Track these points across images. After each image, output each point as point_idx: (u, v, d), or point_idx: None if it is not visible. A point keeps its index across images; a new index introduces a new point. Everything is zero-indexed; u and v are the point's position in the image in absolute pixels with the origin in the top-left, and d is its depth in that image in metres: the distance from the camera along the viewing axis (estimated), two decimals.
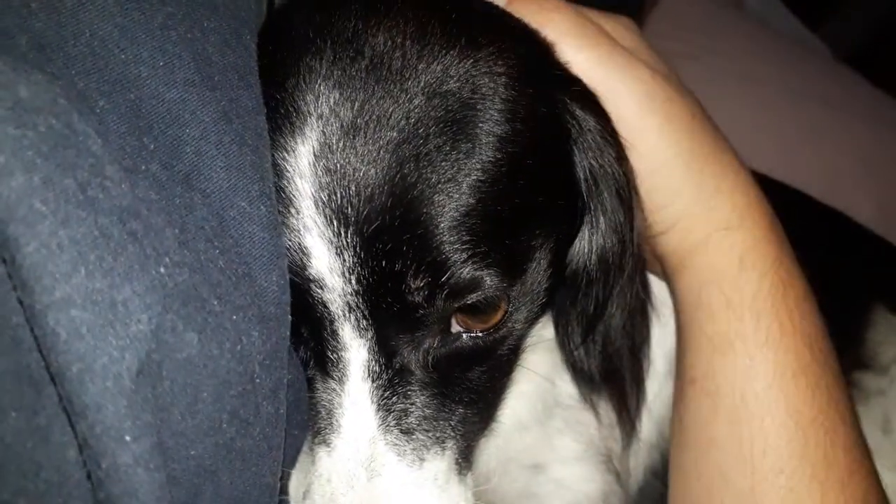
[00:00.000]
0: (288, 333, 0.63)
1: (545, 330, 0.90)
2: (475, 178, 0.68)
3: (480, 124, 0.69)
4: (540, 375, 0.95)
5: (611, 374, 0.90)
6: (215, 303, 0.53)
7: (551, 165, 0.77)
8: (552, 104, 0.76)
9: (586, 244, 0.81)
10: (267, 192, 0.63)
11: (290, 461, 0.75)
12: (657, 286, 0.99)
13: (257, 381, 0.57)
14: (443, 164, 0.67)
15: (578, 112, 0.77)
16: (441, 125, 0.67)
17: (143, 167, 0.56)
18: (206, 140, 0.60)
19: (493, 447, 0.93)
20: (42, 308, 0.44)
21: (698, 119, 0.88)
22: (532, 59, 0.76)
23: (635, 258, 0.85)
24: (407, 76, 0.68)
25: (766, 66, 1.85)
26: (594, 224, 0.81)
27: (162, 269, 0.49)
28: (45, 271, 0.44)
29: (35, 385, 0.48)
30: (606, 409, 0.98)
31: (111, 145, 0.54)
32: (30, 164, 0.44)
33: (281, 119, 0.67)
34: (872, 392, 1.27)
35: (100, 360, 0.44)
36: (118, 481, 0.45)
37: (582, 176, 0.78)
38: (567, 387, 0.97)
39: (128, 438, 0.45)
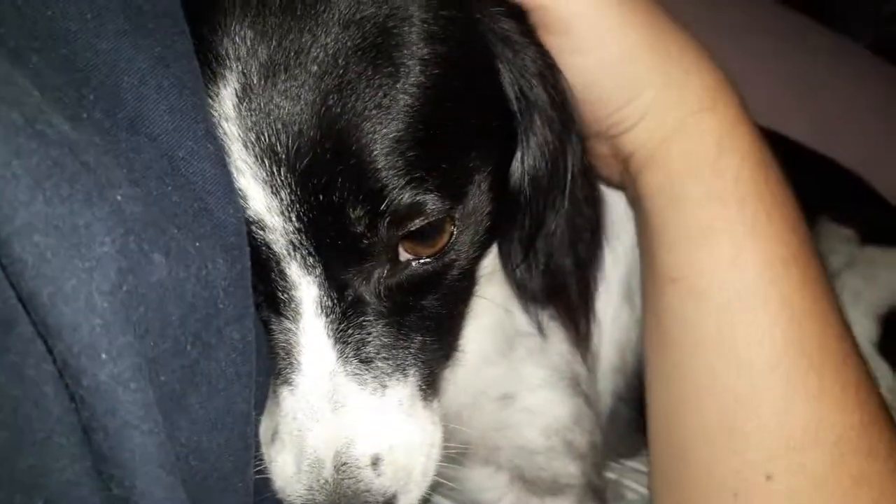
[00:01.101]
0: (249, 264, 0.64)
1: (499, 256, 0.92)
2: (402, 102, 0.68)
3: (400, 48, 0.69)
4: (498, 307, 0.97)
5: (555, 291, 0.92)
6: (175, 231, 0.54)
7: (480, 86, 0.78)
8: (473, 23, 0.77)
9: (519, 164, 0.82)
10: (212, 131, 0.64)
11: (261, 409, 0.76)
12: (612, 206, 1.00)
13: (220, 306, 0.57)
14: (366, 90, 0.67)
15: (500, 30, 0.78)
16: (360, 53, 0.67)
17: (85, 115, 0.56)
18: (145, 86, 0.61)
19: (462, 383, 0.95)
20: (6, 237, 0.44)
21: (652, 4, 0.84)
22: None
23: (575, 175, 0.86)
24: (321, 8, 0.68)
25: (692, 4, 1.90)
26: (525, 144, 0.82)
27: (119, 197, 0.50)
28: (4, 200, 0.44)
29: (3, 324, 0.48)
30: (564, 333, 1.01)
31: (48, 97, 0.54)
32: None
33: (202, 65, 0.67)
34: None
35: (69, 282, 0.45)
36: (100, 399, 0.46)
37: (512, 95, 0.80)
38: (525, 315, 0.99)
39: (104, 356, 0.46)
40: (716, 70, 0.85)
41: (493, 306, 0.95)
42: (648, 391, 0.90)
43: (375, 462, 0.72)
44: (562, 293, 0.93)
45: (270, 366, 0.75)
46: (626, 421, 1.22)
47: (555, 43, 0.81)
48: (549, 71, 0.80)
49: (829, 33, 2.12)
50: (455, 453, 0.84)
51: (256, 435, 0.74)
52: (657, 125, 0.83)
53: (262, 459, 0.74)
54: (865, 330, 1.30)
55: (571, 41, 0.80)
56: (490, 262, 0.89)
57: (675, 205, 0.83)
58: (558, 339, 1.00)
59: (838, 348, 0.80)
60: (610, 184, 0.95)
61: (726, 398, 0.80)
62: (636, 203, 0.90)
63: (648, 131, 0.84)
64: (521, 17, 0.80)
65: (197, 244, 0.56)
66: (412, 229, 0.71)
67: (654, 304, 0.88)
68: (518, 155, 0.82)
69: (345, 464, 0.71)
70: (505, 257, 0.89)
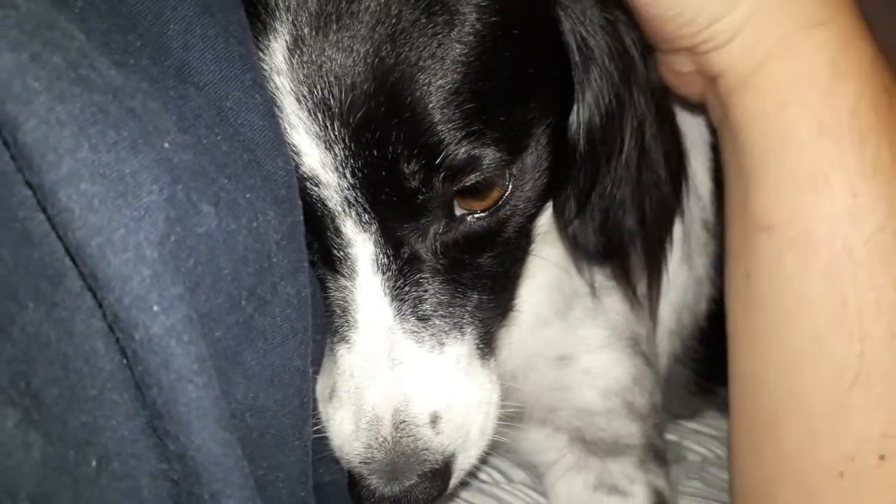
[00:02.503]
0: (301, 217, 0.62)
1: (553, 212, 0.89)
2: (458, 51, 0.66)
3: None
4: (555, 266, 0.95)
5: (612, 251, 0.88)
6: (225, 181, 0.52)
7: (539, 34, 0.75)
8: None
9: (574, 118, 0.79)
10: (259, 82, 0.62)
11: (317, 367, 0.75)
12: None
13: (274, 260, 0.56)
14: (421, 40, 0.64)
15: None
16: (413, 0, 0.65)
17: (132, 62, 0.55)
18: (191, 34, 0.59)
19: (518, 344, 0.93)
20: (51, 185, 0.43)
21: None
22: None
23: (641, 130, 0.83)
24: None
25: None
26: (581, 97, 0.78)
27: (166, 145, 0.48)
28: (49, 147, 0.43)
29: (50, 279, 0.47)
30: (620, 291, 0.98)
31: (95, 42, 0.53)
32: (15, 42, 0.43)
33: (251, 17, 0.65)
34: None
35: (117, 232, 0.44)
36: (153, 353, 0.45)
37: (574, 44, 0.76)
38: (580, 275, 0.96)
39: (156, 309, 0.44)
40: None
41: (549, 265, 0.93)
42: (732, 351, 0.82)
43: (434, 420, 0.71)
44: (619, 253, 0.89)
45: (326, 324, 0.74)
46: (685, 383, 1.20)
47: None
48: (608, 20, 0.76)
49: None
50: (512, 413, 0.83)
51: (313, 393, 0.73)
52: (755, 42, 0.71)
53: (319, 418, 0.74)
54: None
55: None
56: (546, 220, 0.87)
57: (775, 139, 0.71)
58: (617, 298, 0.97)
59: None
60: (689, 100, 0.86)
61: (834, 371, 0.70)
62: (723, 131, 0.79)
63: (744, 49, 0.71)
64: None
65: (247, 195, 0.54)
66: (468, 185, 0.68)
67: (743, 254, 0.77)
68: (575, 108, 0.78)
69: (403, 421, 0.70)
70: (559, 213, 0.86)
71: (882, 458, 0.68)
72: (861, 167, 0.68)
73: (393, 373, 0.70)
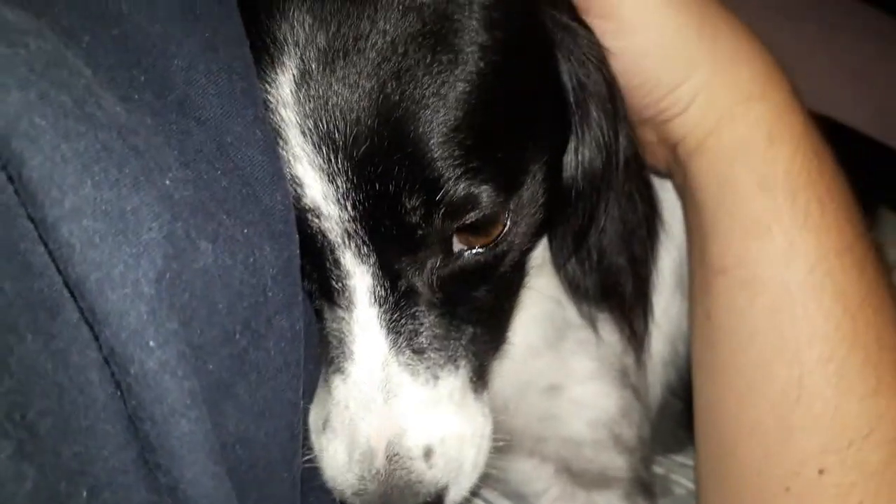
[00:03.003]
0: (297, 252, 0.63)
1: (549, 251, 0.90)
2: (460, 90, 0.67)
3: (459, 35, 0.68)
4: (548, 298, 0.96)
5: (609, 290, 0.90)
6: (224, 216, 0.53)
7: (538, 74, 0.77)
8: (533, 10, 0.75)
9: (572, 157, 0.81)
10: (260, 117, 0.63)
11: (309, 397, 0.75)
12: (661, 193, 0.98)
13: (269, 294, 0.57)
14: (424, 78, 0.66)
15: (561, 18, 0.76)
16: (419, 39, 0.66)
17: (136, 96, 0.56)
18: (194, 70, 0.60)
19: (509, 374, 0.94)
20: (54, 220, 0.44)
21: None
22: None
23: (627, 170, 0.85)
24: None
25: None
26: (579, 136, 0.80)
27: (167, 182, 0.49)
28: (53, 183, 0.44)
29: (49, 310, 0.48)
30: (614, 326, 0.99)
31: (101, 77, 0.54)
32: (24, 80, 0.44)
33: (258, 51, 0.67)
34: None
35: (116, 268, 0.45)
36: (147, 387, 0.46)
37: (570, 85, 0.78)
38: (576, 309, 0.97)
39: (152, 344, 0.45)
40: (765, 55, 0.84)
41: (542, 297, 0.94)
42: (695, 384, 0.89)
43: (427, 453, 0.71)
44: (616, 292, 0.91)
45: (321, 354, 0.75)
46: (676, 415, 1.20)
47: (598, 27, 0.79)
48: (605, 61, 0.78)
49: (882, 15, 2.06)
50: (502, 444, 0.83)
51: (304, 424, 0.73)
52: (708, 110, 0.81)
53: (310, 449, 0.74)
54: None
55: (616, 24, 0.79)
56: (540, 254, 0.88)
57: (725, 194, 0.82)
58: (608, 331, 0.98)
59: None
60: (656, 171, 0.94)
61: (779, 394, 0.79)
62: (684, 191, 0.89)
63: (698, 116, 0.82)
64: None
65: (245, 231, 0.55)
66: (467, 223, 0.70)
67: (703, 296, 0.86)
68: (572, 147, 0.80)
69: (397, 454, 0.70)
70: (555, 253, 0.88)
71: (821, 472, 0.76)
72: (794, 219, 0.79)
73: (387, 405, 0.71)
